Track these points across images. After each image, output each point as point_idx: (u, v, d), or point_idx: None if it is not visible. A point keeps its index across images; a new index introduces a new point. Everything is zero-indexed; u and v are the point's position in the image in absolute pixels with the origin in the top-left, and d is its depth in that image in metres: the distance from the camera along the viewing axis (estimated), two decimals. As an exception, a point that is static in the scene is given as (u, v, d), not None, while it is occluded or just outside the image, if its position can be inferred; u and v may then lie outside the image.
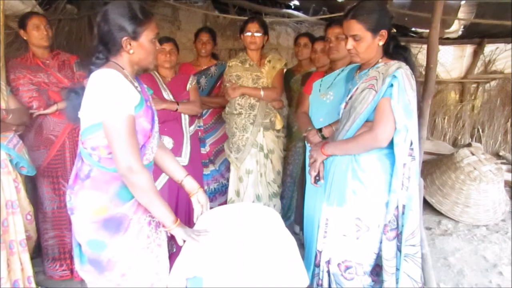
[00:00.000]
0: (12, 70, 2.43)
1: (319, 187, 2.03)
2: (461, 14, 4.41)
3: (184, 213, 2.71)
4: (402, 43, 1.88)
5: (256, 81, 2.87)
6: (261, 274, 1.44)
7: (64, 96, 2.45)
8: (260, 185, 2.92)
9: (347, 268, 1.88)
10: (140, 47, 1.47)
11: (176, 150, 2.67)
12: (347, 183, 1.85)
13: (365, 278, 1.88)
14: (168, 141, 2.66)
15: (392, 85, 1.70)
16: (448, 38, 5.33)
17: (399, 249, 1.78)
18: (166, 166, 1.77)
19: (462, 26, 5.06)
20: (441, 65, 5.33)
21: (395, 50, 1.83)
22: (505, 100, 5.52)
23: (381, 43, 1.78)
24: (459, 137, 5.67)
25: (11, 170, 2.16)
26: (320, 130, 2.22)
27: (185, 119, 2.77)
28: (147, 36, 1.46)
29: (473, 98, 5.64)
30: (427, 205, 3.84)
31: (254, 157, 2.88)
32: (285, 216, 3.28)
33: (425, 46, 2.91)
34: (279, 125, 2.91)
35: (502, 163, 4.66)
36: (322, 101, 2.38)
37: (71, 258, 2.61)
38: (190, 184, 1.77)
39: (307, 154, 2.25)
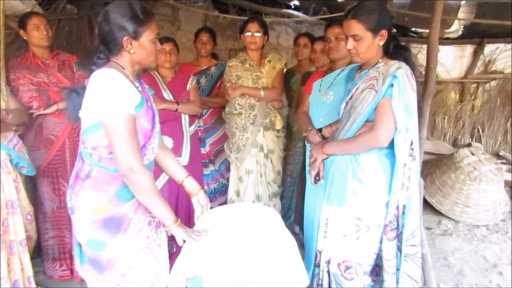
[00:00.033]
0: (12, 70, 2.43)
1: (319, 187, 2.03)
2: (461, 14, 4.41)
3: (184, 213, 2.71)
4: (402, 43, 1.88)
5: (256, 81, 2.87)
6: (261, 274, 1.44)
7: (65, 96, 2.45)
8: (260, 185, 2.92)
9: (347, 268, 1.88)
10: (141, 47, 1.47)
11: (176, 150, 2.67)
12: (347, 183, 1.85)
13: (365, 278, 1.88)
14: (168, 141, 2.66)
15: (392, 85, 1.70)
16: (448, 38, 5.33)
17: (399, 249, 1.78)
18: (167, 166, 1.77)
19: (462, 26, 5.06)
20: (441, 65, 5.33)
21: (395, 50, 1.82)
22: (505, 100, 5.53)
23: (381, 43, 1.78)
24: (459, 137, 5.67)
25: (11, 170, 2.16)
26: (320, 130, 2.22)
27: (185, 119, 2.77)
28: (148, 36, 1.47)
29: (473, 98, 5.64)
30: (427, 205, 3.84)
31: (254, 157, 2.88)
32: (285, 216, 3.28)
33: (425, 46, 2.91)
34: (279, 125, 2.91)
35: (502, 163, 4.66)
36: (322, 101, 2.38)
37: (71, 258, 2.62)
38: (191, 185, 1.77)
39: (307, 154, 2.25)
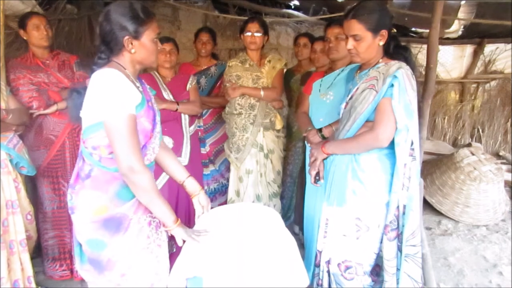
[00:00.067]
0: (12, 70, 2.43)
1: (319, 187, 2.03)
2: (461, 14, 4.41)
3: (184, 213, 2.71)
4: (403, 43, 1.88)
5: (256, 81, 2.87)
6: (261, 274, 1.44)
7: (67, 95, 2.46)
8: (260, 185, 2.92)
9: (347, 268, 1.88)
10: (141, 47, 1.47)
11: (176, 150, 2.67)
12: (347, 183, 1.85)
13: (365, 278, 1.88)
14: (168, 141, 2.66)
15: (392, 85, 1.70)
16: (448, 38, 5.33)
17: (399, 249, 1.78)
18: (168, 166, 1.77)
19: (462, 26, 5.06)
20: (441, 65, 5.33)
21: (395, 50, 1.83)
22: (505, 100, 5.53)
23: (381, 43, 1.78)
24: (459, 137, 5.68)
25: (11, 170, 2.16)
26: (320, 130, 2.22)
27: (185, 119, 2.77)
28: (148, 35, 1.47)
29: (473, 98, 5.65)
30: (427, 205, 3.84)
31: (254, 157, 2.88)
32: (285, 216, 3.28)
33: (425, 46, 2.91)
34: (279, 125, 2.91)
35: (502, 163, 4.66)
36: (322, 101, 2.38)
37: (71, 258, 2.62)
38: (191, 185, 1.77)
39: (307, 154, 2.25)
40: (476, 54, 5.37)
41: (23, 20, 2.48)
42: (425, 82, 2.40)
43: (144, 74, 2.74)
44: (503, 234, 3.54)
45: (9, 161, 2.15)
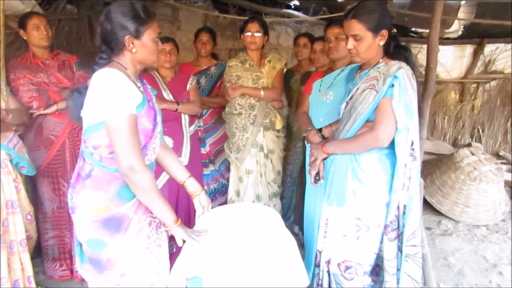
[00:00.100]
0: (12, 70, 2.43)
1: (319, 187, 2.03)
2: (461, 14, 4.41)
3: (184, 213, 2.71)
4: (403, 43, 1.88)
5: (256, 81, 2.87)
6: (261, 274, 1.44)
7: (67, 95, 2.46)
8: (260, 185, 2.92)
9: (347, 268, 1.88)
10: (142, 46, 1.48)
11: (176, 150, 2.67)
12: (347, 183, 1.85)
13: (365, 278, 1.88)
14: (168, 141, 2.66)
15: (393, 85, 1.70)
16: (448, 38, 5.33)
17: (400, 249, 1.78)
18: (169, 166, 1.77)
19: (462, 26, 5.06)
20: (441, 65, 5.33)
21: (395, 50, 1.83)
22: (505, 100, 5.53)
23: (381, 43, 1.78)
24: (459, 137, 5.68)
25: (11, 170, 2.16)
26: (320, 130, 2.22)
27: (185, 119, 2.77)
28: (149, 35, 1.47)
29: (473, 98, 5.65)
30: (427, 205, 3.84)
31: (254, 157, 2.88)
32: (285, 216, 3.28)
33: (425, 46, 2.91)
34: (279, 125, 2.91)
35: (502, 163, 4.66)
36: (322, 101, 2.38)
37: (71, 258, 2.62)
38: (192, 186, 1.77)
39: (307, 154, 2.25)
40: (476, 54, 5.37)
41: (23, 20, 2.48)
42: (425, 82, 2.40)
43: (144, 74, 2.74)
44: (503, 234, 3.54)
45: (9, 161, 2.15)
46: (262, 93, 2.81)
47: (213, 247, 1.53)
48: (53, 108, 2.48)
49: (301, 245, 2.43)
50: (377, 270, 1.92)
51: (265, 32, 2.85)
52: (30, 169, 2.26)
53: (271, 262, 1.47)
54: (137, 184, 1.42)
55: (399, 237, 1.78)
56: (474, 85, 5.60)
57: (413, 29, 5.42)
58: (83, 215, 1.48)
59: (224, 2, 4.95)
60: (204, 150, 3.13)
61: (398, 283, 1.79)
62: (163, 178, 2.61)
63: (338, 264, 1.90)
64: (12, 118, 2.19)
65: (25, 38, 2.51)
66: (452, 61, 5.46)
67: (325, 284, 1.97)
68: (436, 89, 5.26)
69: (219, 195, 3.22)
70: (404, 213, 1.76)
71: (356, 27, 1.74)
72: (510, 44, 5.16)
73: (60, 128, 2.55)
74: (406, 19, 4.60)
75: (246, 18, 3.04)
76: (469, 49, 5.39)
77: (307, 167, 2.16)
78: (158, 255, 1.58)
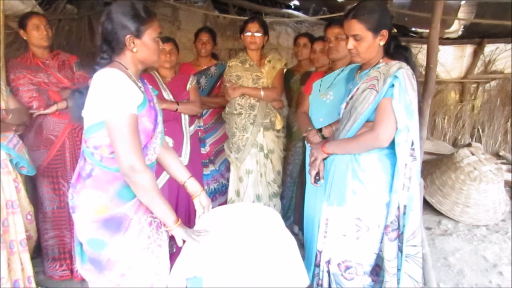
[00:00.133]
0: (12, 70, 2.43)
1: (319, 187, 2.03)
2: (461, 14, 4.41)
3: (184, 213, 2.71)
4: (403, 43, 1.88)
5: (256, 81, 2.87)
6: (261, 274, 1.44)
7: (69, 95, 2.46)
8: (260, 185, 2.92)
9: (347, 268, 1.88)
10: (143, 46, 1.48)
11: (176, 150, 2.67)
12: (347, 183, 1.85)
13: (365, 278, 1.88)
14: (168, 141, 2.66)
15: (393, 85, 1.70)
16: (448, 38, 5.33)
17: (400, 249, 1.78)
18: (169, 166, 1.77)
19: (462, 26, 5.06)
20: (441, 65, 5.33)
21: (396, 50, 1.82)
22: (505, 100, 5.53)
23: (382, 43, 1.78)
24: (459, 137, 5.68)
25: (11, 170, 2.16)
26: (320, 130, 2.22)
27: (185, 119, 2.77)
28: (150, 34, 1.48)
29: (473, 98, 5.65)
30: (427, 205, 3.84)
31: (254, 157, 2.88)
32: (285, 216, 3.28)
33: (425, 46, 2.91)
34: (279, 125, 2.91)
35: (502, 163, 4.66)
36: (322, 101, 2.38)
37: (71, 258, 2.62)
38: (193, 186, 1.77)
39: (307, 154, 2.25)
40: (476, 54, 5.37)
41: (23, 20, 2.48)
42: (425, 82, 2.40)
43: (144, 74, 2.73)
44: (503, 234, 3.54)
45: (9, 161, 2.15)
46: (262, 93, 2.81)
47: (213, 247, 1.53)
48: (53, 108, 2.48)
49: (301, 245, 2.43)
50: (377, 270, 1.92)
51: (265, 32, 2.85)
52: (30, 169, 2.26)
53: (271, 262, 1.47)
54: (138, 184, 1.42)
55: (400, 237, 1.78)
56: (474, 85, 5.61)
57: (413, 29, 5.42)
58: (84, 215, 1.48)
59: (224, 2, 4.95)
60: (204, 150, 3.13)
61: (398, 283, 1.79)
62: (163, 178, 2.61)
63: (338, 264, 1.90)
64: (12, 118, 2.19)
65: (25, 38, 2.51)
66: (452, 61, 5.46)
67: (325, 284, 1.97)
68: (436, 89, 5.26)
69: (219, 195, 3.22)
70: (404, 213, 1.76)
71: (357, 27, 1.74)
72: (510, 44, 5.16)
73: (60, 128, 2.55)
74: (406, 19, 4.60)
75: (246, 18, 3.04)
76: (469, 49, 5.39)
77: (307, 167, 2.16)
78: (159, 255, 1.58)
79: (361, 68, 1.94)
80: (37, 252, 2.65)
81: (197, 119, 2.97)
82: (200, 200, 1.77)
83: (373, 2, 1.78)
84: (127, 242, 1.48)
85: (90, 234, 1.49)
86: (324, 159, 1.98)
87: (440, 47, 5.07)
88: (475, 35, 5.22)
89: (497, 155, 5.41)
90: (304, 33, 3.51)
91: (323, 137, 2.19)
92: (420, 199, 1.97)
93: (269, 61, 2.91)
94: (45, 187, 2.56)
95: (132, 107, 1.41)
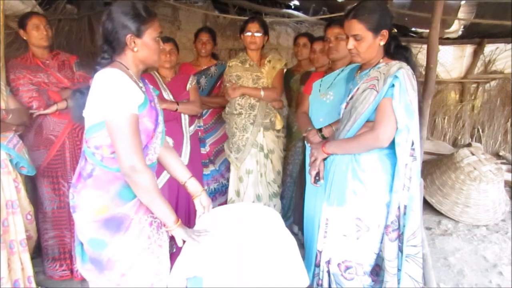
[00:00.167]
0: (12, 70, 2.43)
1: (319, 187, 2.03)
2: (461, 14, 4.41)
3: (184, 213, 2.71)
4: (403, 43, 1.88)
5: (256, 81, 2.87)
6: (261, 274, 1.44)
7: (70, 95, 2.46)
8: (260, 185, 2.92)
9: (347, 268, 1.88)
10: (144, 45, 1.48)
11: (176, 150, 2.64)
12: (347, 183, 1.85)
13: (365, 278, 1.88)
14: (168, 141, 2.65)
15: (393, 85, 1.70)
16: (448, 38, 5.33)
17: (400, 249, 1.78)
18: (170, 166, 1.77)
19: (462, 26, 5.06)
20: (441, 65, 5.33)
21: (396, 50, 1.83)
22: (505, 100, 5.53)
23: (382, 43, 1.78)
24: (459, 137, 5.68)
25: (11, 170, 2.16)
26: (320, 130, 2.22)
27: (185, 119, 2.77)
28: (150, 34, 1.48)
29: (473, 98, 5.65)
30: (427, 205, 3.84)
31: (254, 157, 2.88)
32: (285, 216, 3.28)
33: (425, 46, 2.91)
34: (279, 125, 2.91)
35: (502, 163, 4.66)
36: (322, 101, 2.38)
37: (71, 258, 2.62)
38: (193, 186, 1.77)
39: (307, 154, 2.24)
40: (476, 54, 5.37)
41: (23, 20, 2.48)
42: (425, 82, 2.40)
43: (144, 74, 2.73)
44: (503, 234, 3.54)
45: (9, 161, 2.15)
46: (262, 93, 2.81)
47: (213, 247, 1.53)
48: (53, 108, 2.48)
49: (301, 245, 2.43)
50: (377, 270, 1.92)
51: (265, 32, 2.85)
52: (30, 169, 2.26)
53: (271, 262, 1.47)
54: (138, 184, 1.42)
55: (400, 237, 1.78)
56: (474, 85, 5.61)
57: (413, 29, 5.42)
58: (84, 215, 1.49)
59: (224, 2, 4.95)
60: (204, 150, 3.13)
61: (398, 283, 1.79)
62: (163, 177, 2.61)
63: (338, 264, 1.90)
64: (12, 118, 2.19)
65: (25, 38, 2.51)
66: (452, 61, 5.46)
67: (325, 284, 1.97)
68: (436, 89, 5.26)
69: (219, 195, 3.22)
70: (404, 213, 1.76)
71: (357, 27, 1.74)
72: (510, 44, 5.16)
73: (60, 128, 2.55)
74: (406, 19, 4.60)
75: (246, 18, 3.04)
76: (469, 49, 5.39)
77: (307, 167, 2.16)
78: (159, 255, 1.58)
79: (361, 68, 1.94)
80: (37, 252, 2.65)
81: (197, 119, 2.97)
82: (201, 200, 1.77)
83: (373, 2, 1.78)
84: (127, 242, 1.49)
85: (91, 234, 1.49)
86: (324, 159, 1.98)
87: (440, 47, 5.07)
88: (475, 35, 5.22)
89: (497, 155, 5.41)
90: (304, 33, 3.50)
91: (323, 137, 2.19)
92: (420, 199, 1.97)
93: (269, 61, 2.91)
94: (45, 187, 2.56)
95: (133, 107, 1.41)
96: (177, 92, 2.78)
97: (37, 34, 2.47)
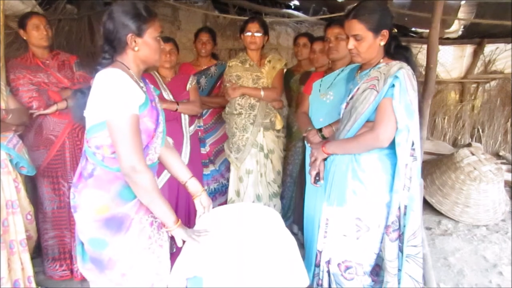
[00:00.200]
0: (12, 70, 2.43)
1: (319, 187, 2.03)
2: (461, 14, 4.41)
3: (184, 213, 2.71)
4: (403, 43, 1.88)
5: (256, 81, 2.87)
6: (261, 274, 1.44)
7: (71, 95, 2.46)
8: (260, 185, 2.92)
9: (347, 268, 1.88)
10: (145, 44, 1.48)
11: (176, 150, 2.67)
12: (347, 183, 1.85)
13: (365, 278, 1.88)
14: (169, 141, 2.66)
15: (393, 86, 1.70)
16: (448, 38, 5.34)
17: (401, 250, 1.78)
18: (171, 165, 1.77)
19: (462, 26, 5.06)
20: (441, 65, 5.33)
21: (396, 50, 1.82)
22: (505, 100, 5.53)
23: (382, 43, 1.78)
24: (459, 137, 5.68)
25: (11, 170, 2.16)
26: (320, 130, 2.22)
27: (185, 119, 2.77)
28: (151, 33, 1.49)
29: (473, 98, 5.65)
30: (427, 205, 3.84)
31: (254, 157, 2.88)
32: (285, 216, 3.28)
33: (425, 46, 2.91)
34: (279, 125, 2.91)
35: (502, 163, 4.66)
36: (322, 101, 2.38)
37: (71, 258, 2.62)
38: (194, 186, 1.77)
39: (307, 154, 2.24)
40: (476, 54, 5.37)
41: (23, 20, 2.48)
42: (425, 82, 2.40)
43: (144, 74, 2.72)
44: (503, 234, 3.54)
45: (9, 161, 2.15)
46: (262, 93, 2.81)
47: (213, 247, 1.53)
48: (53, 108, 2.48)
49: (301, 245, 2.43)
50: (377, 270, 1.92)
51: (265, 32, 2.85)
52: (30, 169, 2.26)
53: (271, 262, 1.47)
54: (138, 184, 1.43)
55: (400, 237, 1.78)
56: (474, 85, 5.61)
57: (413, 29, 5.42)
58: (85, 215, 1.49)
59: (224, 2, 4.95)
60: (204, 150, 3.13)
61: (399, 283, 1.79)
62: (164, 177, 2.61)
63: (338, 264, 1.90)
64: (12, 118, 2.19)
65: (25, 38, 2.51)
66: (452, 61, 5.46)
67: (325, 284, 1.97)
68: (436, 89, 5.26)
69: (219, 195, 3.22)
70: (405, 213, 1.76)
71: (357, 27, 1.74)
72: (510, 44, 5.16)
73: (60, 128, 2.55)
74: (406, 19, 4.60)
75: (246, 18, 3.04)
76: (469, 49, 5.39)
77: (307, 167, 2.16)
78: (160, 255, 1.58)
79: (361, 68, 1.94)
80: (37, 252, 2.65)
81: (197, 119, 2.97)
82: (201, 200, 1.77)
83: (373, 2, 1.78)
84: (128, 242, 1.49)
85: (92, 234, 1.49)
86: (324, 159, 1.98)
87: (440, 47, 5.07)
88: (475, 35, 5.22)
89: (497, 155, 5.41)
90: (304, 33, 3.50)
91: (323, 137, 2.19)
92: (420, 199, 1.97)
93: (269, 61, 2.91)
94: (45, 187, 2.56)
95: (133, 107, 1.41)
96: (177, 92, 2.78)
97: (37, 34, 2.47)
